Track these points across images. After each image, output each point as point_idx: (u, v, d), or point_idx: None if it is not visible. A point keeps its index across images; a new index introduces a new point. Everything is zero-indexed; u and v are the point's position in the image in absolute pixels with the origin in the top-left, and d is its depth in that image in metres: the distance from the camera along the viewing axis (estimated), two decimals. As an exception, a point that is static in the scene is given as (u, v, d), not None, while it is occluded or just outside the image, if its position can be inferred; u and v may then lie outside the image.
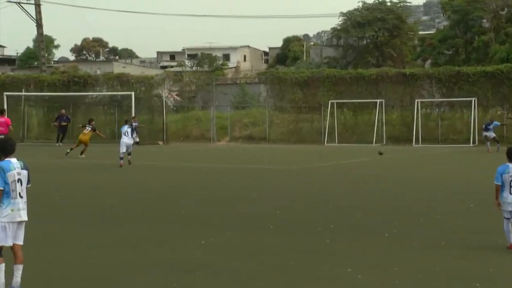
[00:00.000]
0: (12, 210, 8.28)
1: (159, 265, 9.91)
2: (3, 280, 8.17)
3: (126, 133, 27.24)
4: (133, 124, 28.39)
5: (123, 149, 26.47)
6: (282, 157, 32.60)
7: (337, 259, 10.33)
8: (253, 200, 16.96)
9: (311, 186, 20.19)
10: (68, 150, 30.22)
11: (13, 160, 8.43)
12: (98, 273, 9.47)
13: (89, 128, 30.73)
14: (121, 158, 26.15)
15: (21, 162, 8.51)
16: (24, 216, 8.40)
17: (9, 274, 8.26)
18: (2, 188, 8.25)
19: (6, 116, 28.15)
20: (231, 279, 9.21)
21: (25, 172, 8.48)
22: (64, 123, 41.78)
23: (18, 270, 8.29)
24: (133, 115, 42.10)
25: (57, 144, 40.64)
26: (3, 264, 8.20)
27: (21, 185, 8.41)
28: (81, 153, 30.03)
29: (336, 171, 25.40)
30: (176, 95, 51.98)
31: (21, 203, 8.38)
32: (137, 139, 30.98)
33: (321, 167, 26.84)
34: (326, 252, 10.83)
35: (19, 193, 8.36)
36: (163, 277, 9.22)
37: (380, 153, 29.81)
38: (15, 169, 8.35)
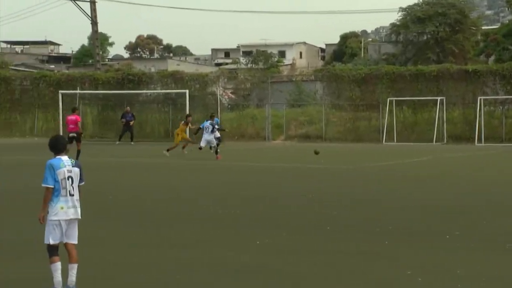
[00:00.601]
0: (62, 208, 8.34)
1: (211, 266, 9.92)
2: (59, 279, 8.27)
3: (207, 129, 28.42)
4: (213, 120, 30.82)
5: (203, 144, 29.33)
6: (338, 156, 32.42)
7: (396, 261, 10.19)
8: (310, 200, 16.87)
9: (369, 186, 20.00)
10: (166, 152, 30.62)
11: (64, 157, 8.48)
12: (147, 273, 9.52)
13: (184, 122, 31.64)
14: (200, 148, 29.07)
15: (72, 160, 8.55)
16: (75, 214, 8.43)
17: (65, 273, 8.36)
18: (52, 186, 8.33)
19: (78, 114, 28.68)
20: (285, 280, 9.16)
21: (76, 170, 8.51)
22: (130, 121, 42.08)
23: (73, 270, 8.37)
24: (187, 113, 42.53)
25: (117, 143, 41.12)
26: (59, 263, 8.29)
27: (72, 183, 8.44)
28: (183, 147, 31.15)
29: (394, 171, 25.14)
30: (230, 93, 52.16)
31: (72, 201, 8.42)
32: (218, 134, 31.66)
33: (379, 166, 26.60)
34: (384, 254, 10.70)
35: (70, 191, 8.41)
36: (215, 278, 9.23)
37: (316, 153, 28.94)
38: (65, 166, 8.39)
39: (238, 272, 9.55)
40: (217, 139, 30.86)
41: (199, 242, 11.62)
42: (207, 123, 29.56)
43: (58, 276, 8.26)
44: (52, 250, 8.30)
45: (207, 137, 29.16)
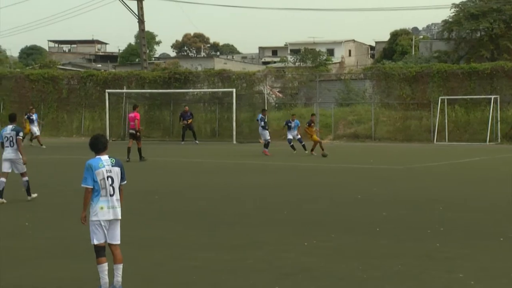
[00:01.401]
0: (101, 208, 8.43)
1: (259, 267, 9.94)
2: (106, 279, 8.37)
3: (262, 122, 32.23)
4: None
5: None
6: (388, 156, 32.20)
7: (447, 264, 10.09)
8: (358, 201, 16.81)
9: (419, 186, 19.82)
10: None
11: (104, 157, 8.57)
12: (197, 275, 9.58)
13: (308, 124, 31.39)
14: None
15: (113, 159, 8.60)
16: (115, 215, 8.50)
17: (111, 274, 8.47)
18: (91, 187, 8.42)
19: (138, 112, 29.22)
20: (333, 283, 9.14)
21: (117, 169, 8.57)
22: (189, 120, 42.17)
23: (118, 270, 8.47)
24: (233, 112, 42.69)
25: (182, 143, 41.35)
26: (106, 264, 8.40)
27: (113, 182, 8.50)
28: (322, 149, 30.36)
29: (446, 171, 24.87)
30: (278, 91, 52.13)
31: (112, 201, 8.49)
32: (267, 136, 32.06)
33: (430, 167, 26.33)
34: (435, 256, 10.59)
35: (110, 191, 8.48)
36: (264, 280, 9.24)
37: (324, 156, 29.63)
38: (104, 166, 8.47)
39: (287, 274, 9.56)
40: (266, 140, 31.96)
41: (249, 244, 11.65)
42: (259, 116, 32.60)
43: (105, 277, 8.36)
44: (99, 250, 8.41)
45: (261, 131, 32.34)
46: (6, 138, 16.73)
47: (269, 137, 32.33)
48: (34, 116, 38.20)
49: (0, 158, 17.21)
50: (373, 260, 10.34)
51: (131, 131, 28.85)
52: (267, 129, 32.69)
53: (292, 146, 32.03)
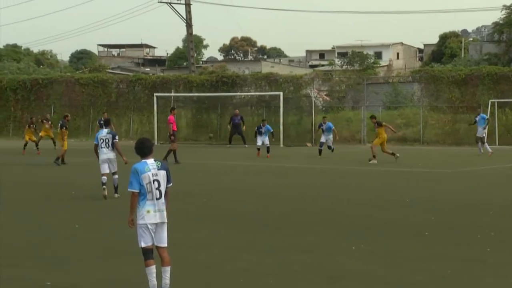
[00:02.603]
0: (148, 212, 8.45)
1: (306, 271, 9.90)
2: (154, 282, 8.40)
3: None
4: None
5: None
6: (437, 159, 31.85)
7: (498, 269, 9.92)
8: (407, 204, 16.65)
9: (468, 190, 19.56)
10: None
11: (150, 161, 8.57)
12: (245, 278, 9.57)
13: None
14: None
15: (158, 163, 8.61)
16: (161, 218, 8.51)
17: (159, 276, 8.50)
18: (137, 191, 8.44)
19: (173, 115, 29.56)
20: (381, 287, 9.05)
21: (162, 173, 8.57)
22: (238, 123, 42.27)
23: (166, 272, 8.49)
24: (280, 115, 42.64)
25: (228, 146, 41.52)
26: (154, 267, 8.42)
27: (159, 186, 8.51)
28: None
29: (496, 175, 24.50)
30: (325, 94, 51.95)
31: (158, 205, 8.49)
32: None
33: (480, 171, 25.98)
34: (486, 261, 10.42)
35: (156, 195, 8.49)
36: (312, 284, 9.20)
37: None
38: (150, 170, 8.48)
39: (336, 278, 9.50)
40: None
41: (296, 247, 11.61)
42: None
43: (153, 280, 8.39)
44: (146, 253, 8.44)
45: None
46: (101, 140, 18.43)
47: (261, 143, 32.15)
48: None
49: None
50: (422, 264, 10.22)
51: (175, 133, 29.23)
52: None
53: (320, 151, 31.49)
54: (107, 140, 18.39)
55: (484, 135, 34.21)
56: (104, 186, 17.83)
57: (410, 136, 44.42)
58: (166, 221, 8.57)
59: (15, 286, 9.15)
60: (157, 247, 8.52)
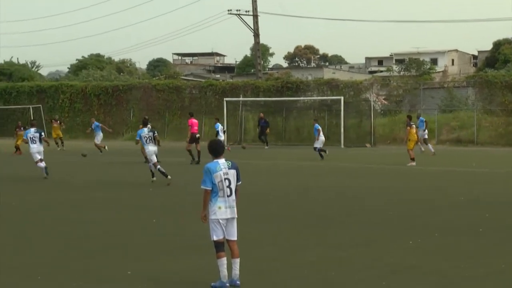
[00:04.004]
0: (219, 208, 8.53)
1: (367, 265, 9.82)
2: (225, 273, 8.47)
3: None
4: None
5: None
6: (490, 160, 31.20)
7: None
8: (461, 202, 16.37)
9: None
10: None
11: (221, 161, 8.66)
12: (309, 270, 9.56)
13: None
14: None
15: (229, 162, 8.69)
16: (232, 214, 8.58)
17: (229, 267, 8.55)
18: (209, 188, 8.52)
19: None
20: (437, 280, 8.92)
21: (233, 172, 8.65)
22: (264, 126, 42.57)
23: (236, 264, 8.56)
24: (341, 118, 42.35)
25: (266, 147, 41.74)
26: (225, 258, 8.48)
27: (229, 184, 8.59)
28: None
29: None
30: (383, 99, 51.46)
31: (229, 201, 8.57)
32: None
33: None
34: (538, 257, 10.17)
35: (227, 192, 8.56)
36: (371, 277, 9.13)
37: (84, 155, 29.10)
38: (221, 169, 8.57)
39: (394, 271, 9.40)
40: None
41: (357, 242, 11.54)
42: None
43: (224, 270, 8.46)
44: (218, 246, 8.51)
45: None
46: (145, 138, 21.15)
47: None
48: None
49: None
50: (476, 259, 10.04)
51: (198, 135, 29.72)
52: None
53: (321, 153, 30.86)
54: (150, 137, 21.14)
55: None
56: (152, 170, 20.79)
57: (465, 137, 43.64)
58: (236, 216, 8.65)
59: (99, 274, 9.32)
60: (228, 241, 8.59)
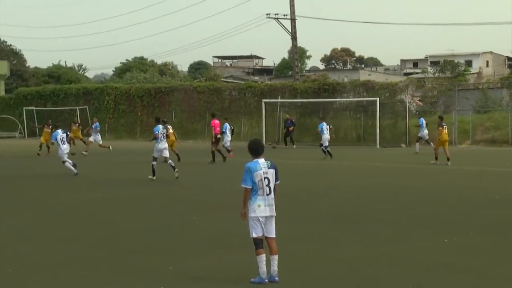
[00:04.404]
0: (259, 206, 8.55)
1: (402, 261, 9.77)
2: (264, 269, 8.50)
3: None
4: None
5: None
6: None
7: None
8: (496, 202, 16.16)
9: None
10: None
11: (261, 160, 8.69)
12: (346, 267, 9.54)
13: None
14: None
15: (268, 162, 8.72)
16: (271, 212, 8.61)
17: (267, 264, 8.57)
18: (250, 187, 8.56)
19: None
20: (470, 278, 8.83)
21: (272, 171, 8.68)
22: (290, 127, 42.49)
23: (274, 260, 8.58)
24: (377, 119, 42.11)
25: (294, 147, 41.77)
26: (264, 255, 8.51)
27: (269, 183, 8.61)
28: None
29: None
30: (418, 100, 51.02)
31: (268, 200, 8.59)
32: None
33: None
34: None
35: (266, 191, 8.58)
36: (405, 273, 9.08)
37: (73, 154, 27.90)
38: (261, 169, 8.60)
39: (427, 268, 9.34)
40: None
41: (393, 239, 11.48)
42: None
43: (263, 267, 8.50)
44: (257, 243, 8.55)
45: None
46: (161, 134, 22.24)
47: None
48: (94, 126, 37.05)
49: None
50: (510, 258, 9.90)
51: (219, 136, 29.89)
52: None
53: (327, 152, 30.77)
54: (164, 134, 22.43)
55: None
56: (154, 167, 21.55)
57: (499, 138, 43.04)
58: (275, 214, 8.68)
59: (141, 270, 9.41)
60: (266, 238, 8.61)
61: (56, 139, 23.46)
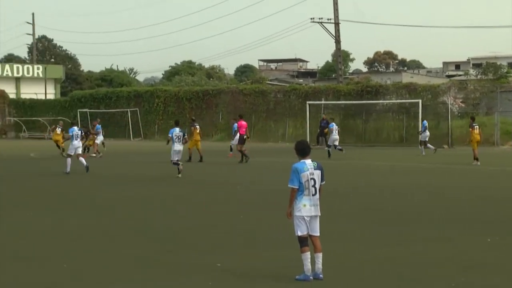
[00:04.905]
0: (304, 206, 8.54)
1: (441, 261, 9.65)
2: (309, 266, 8.50)
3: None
4: None
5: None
6: None
7: None
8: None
9: None
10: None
11: (308, 161, 8.67)
12: (384, 266, 9.47)
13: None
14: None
15: (315, 163, 8.70)
16: (316, 212, 8.60)
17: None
18: (296, 187, 8.56)
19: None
20: (509, 278, 8.67)
21: (318, 172, 8.65)
22: (325, 127, 42.08)
23: (319, 258, 8.57)
24: (419, 121, 41.60)
25: (326, 148, 41.37)
26: (309, 253, 8.52)
27: (315, 183, 8.59)
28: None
29: None
30: (460, 102, 50.30)
31: (313, 200, 8.58)
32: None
33: None
34: None
35: (312, 191, 8.57)
36: (443, 273, 8.96)
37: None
38: (308, 170, 8.58)
39: (466, 268, 9.21)
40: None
41: (434, 238, 11.35)
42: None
43: (307, 264, 8.50)
44: (302, 241, 8.55)
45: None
46: (176, 136, 22.55)
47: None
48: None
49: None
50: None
51: (245, 136, 29.85)
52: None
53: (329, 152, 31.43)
54: (180, 137, 22.61)
55: None
56: (177, 167, 22.13)
57: (542, 139, 42.20)
58: (319, 214, 8.67)
59: (190, 267, 9.48)
60: (311, 236, 8.61)
61: (72, 133, 24.58)
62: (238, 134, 30.36)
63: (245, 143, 29.58)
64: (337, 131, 31.90)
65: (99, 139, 35.64)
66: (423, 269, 9.19)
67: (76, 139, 24.43)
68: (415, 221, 13.21)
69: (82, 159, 24.25)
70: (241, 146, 29.25)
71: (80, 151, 24.65)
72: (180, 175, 22.08)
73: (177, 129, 22.73)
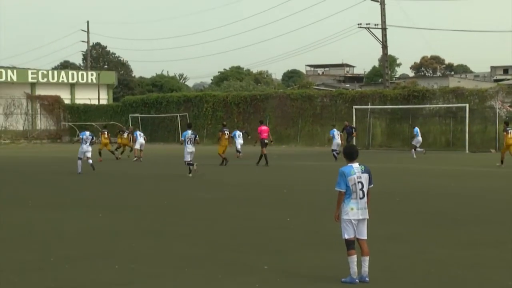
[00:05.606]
0: (352, 209, 8.44)
1: (493, 264, 9.42)
2: (355, 269, 8.39)
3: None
4: None
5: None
6: None
7: None
8: None
9: None
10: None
11: (355, 165, 8.57)
12: (436, 268, 9.28)
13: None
14: None
15: (362, 166, 8.59)
16: (363, 215, 8.48)
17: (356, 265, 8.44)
18: (343, 190, 8.45)
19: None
20: None
21: (366, 175, 8.55)
22: (351, 133, 41.49)
23: (365, 261, 8.46)
24: (466, 125, 40.90)
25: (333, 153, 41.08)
26: (355, 256, 8.41)
27: (362, 187, 8.48)
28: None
29: None
30: (508, 106, 49.23)
31: (361, 203, 8.46)
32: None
33: None
34: None
35: (359, 195, 8.46)
36: (495, 277, 8.73)
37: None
38: (355, 173, 8.48)
39: (493, 267, 8.97)
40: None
41: (484, 242, 11.10)
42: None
43: (354, 267, 8.39)
44: (349, 244, 8.44)
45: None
46: (188, 139, 23.88)
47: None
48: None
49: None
50: None
51: (266, 140, 30.02)
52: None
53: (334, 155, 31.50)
54: (192, 138, 23.86)
55: None
56: (190, 167, 23.52)
57: None
58: (367, 217, 8.56)
59: (238, 267, 9.46)
60: (358, 239, 8.49)
61: (83, 137, 26.01)
62: (239, 139, 33.02)
63: (267, 146, 29.99)
64: (338, 136, 32.68)
65: (139, 143, 35.93)
66: (475, 272, 8.97)
67: (85, 143, 25.79)
68: (466, 224, 12.93)
69: (90, 161, 25.68)
70: (264, 149, 29.48)
71: (89, 155, 25.90)
72: (191, 175, 23.12)
73: (189, 132, 24.10)
